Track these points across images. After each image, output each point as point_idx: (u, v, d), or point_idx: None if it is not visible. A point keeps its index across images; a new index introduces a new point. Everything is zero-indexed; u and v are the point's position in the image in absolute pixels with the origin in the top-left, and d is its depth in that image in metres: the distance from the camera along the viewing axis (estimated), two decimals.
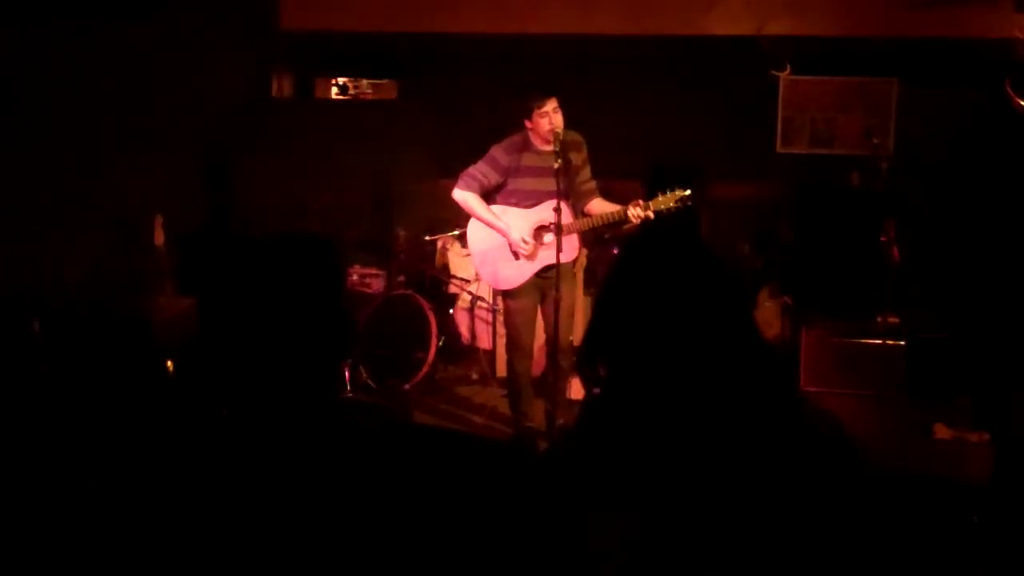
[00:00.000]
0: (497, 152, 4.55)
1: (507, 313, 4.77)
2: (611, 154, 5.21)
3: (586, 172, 4.63)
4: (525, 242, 4.54)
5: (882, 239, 4.71)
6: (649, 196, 4.42)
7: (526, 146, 4.53)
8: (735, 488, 1.30)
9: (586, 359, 1.47)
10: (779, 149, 7.17)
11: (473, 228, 4.67)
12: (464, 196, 4.58)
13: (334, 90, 8.53)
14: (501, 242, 4.59)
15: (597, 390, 1.46)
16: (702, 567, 1.27)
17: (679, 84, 7.01)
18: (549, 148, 4.45)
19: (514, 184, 4.56)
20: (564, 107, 4.45)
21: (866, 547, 1.32)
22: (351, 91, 8.60)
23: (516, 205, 4.58)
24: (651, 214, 4.38)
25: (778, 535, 1.28)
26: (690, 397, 1.35)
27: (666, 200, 4.40)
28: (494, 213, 4.58)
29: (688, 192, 4.40)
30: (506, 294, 4.72)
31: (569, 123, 4.49)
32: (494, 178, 4.56)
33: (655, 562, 1.29)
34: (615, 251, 6.44)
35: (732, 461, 1.31)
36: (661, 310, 1.39)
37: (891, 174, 4.99)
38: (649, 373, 1.38)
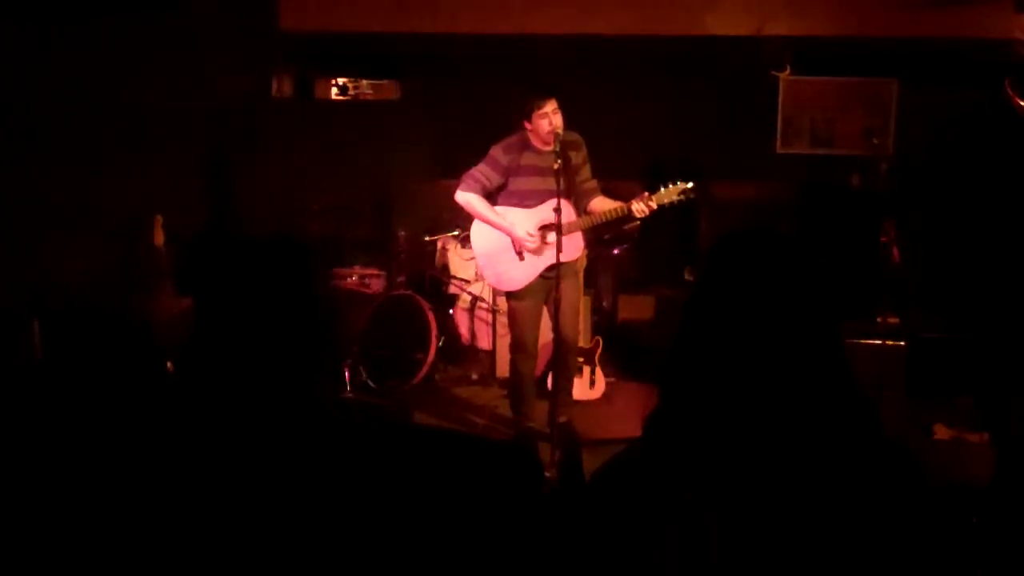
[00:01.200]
0: (497, 152, 4.55)
1: (511, 314, 4.77)
2: (611, 154, 5.21)
3: (586, 171, 4.64)
4: (531, 235, 4.53)
5: (882, 239, 4.71)
6: (651, 190, 4.42)
7: (525, 146, 4.53)
8: (801, 518, 1.24)
9: (673, 370, 1.35)
10: (779, 149, 7.17)
11: (477, 230, 4.67)
12: (467, 198, 4.58)
13: (334, 90, 8.53)
14: (505, 243, 4.59)
15: (665, 403, 1.37)
16: None
17: (679, 84, 7.01)
18: (548, 148, 4.45)
19: (515, 184, 4.57)
20: (564, 107, 4.45)
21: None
22: (351, 91, 8.60)
23: (518, 205, 4.58)
24: (654, 207, 4.37)
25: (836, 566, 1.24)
26: (770, 419, 1.27)
27: (669, 193, 4.40)
28: (498, 213, 4.59)
29: (691, 185, 4.39)
30: (511, 295, 4.72)
31: (569, 123, 4.49)
32: (495, 178, 4.56)
33: None
34: (615, 251, 6.44)
35: (802, 490, 1.25)
36: (752, 320, 1.30)
37: (891, 174, 4.99)
38: (733, 390, 1.29)
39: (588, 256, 5.49)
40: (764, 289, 1.31)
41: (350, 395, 5.40)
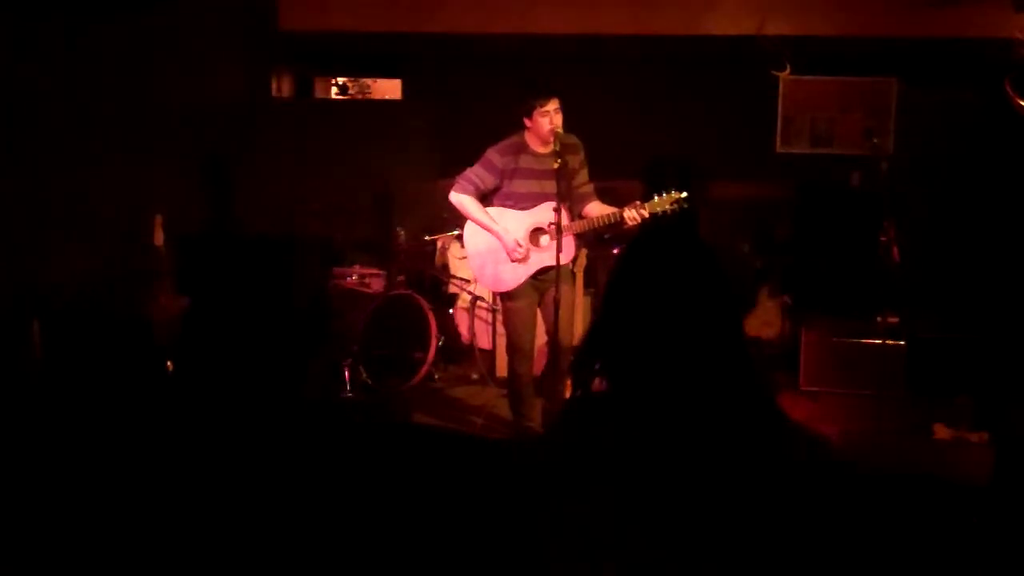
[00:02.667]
0: (492, 155, 4.55)
1: (506, 315, 4.78)
2: (611, 154, 5.21)
3: (583, 175, 4.63)
4: (519, 245, 4.54)
5: (882, 239, 4.70)
6: (645, 198, 4.43)
7: (522, 148, 4.53)
8: (707, 503, 1.30)
9: (583, 361, 1.46)
10: (779, 149, 7.18)
11: (470, 231, 4.67)
12: (460, 199, 4.58)
13: (334, 90, 8.54)
14: (497, 244, 4.59)
15: (580, 393, 1.46)
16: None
17: (679, 84, 7.01)
18: (546, 150, 4.46)
19: (510, 187, 4.56)
20: (565, 107, 4.45)
21: (850, 563, 1.31)
22: (351, 91, 8.62)
23: (513, 207, 4.58)
24: (646, 215, 4.38)
25: (747, 552, 1.27)
26: (673, 405, 1.35)
27: (662, 202, 4.41)
28: (490, 216, 4.58)
29: (684, 195, 4.41)
30: (504, 296, 4.72)
31: (569, 123, 4.49)
32: (490, 180, 4.56)
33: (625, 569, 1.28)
34: (615, 251, 6.44)
35: (704, 473, 1.31)
36: (658, 314, 1.39)
37: (891, 174, 4.99)
38: (641, 378, 1.37)
39: (588, 256, 5.49)
40: (669, 286, 1.40)
41: (350, 395, 5.40)
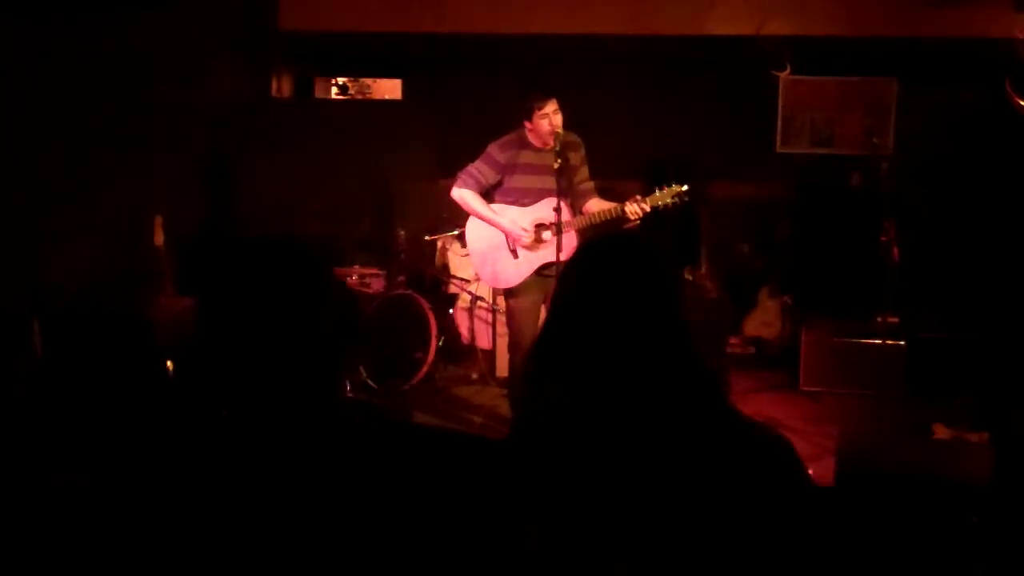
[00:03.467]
0: (494, 150, 4.56)
1: (510, 313, 4.78)
2: (612, 154, 5.21)
3: (584, 172, 4.64)
4: (524, 230, 4.54)
5: (882, 239, 4.70)
6: (647, 193, 4.44)
7: (524, 144, 4.53)
8: (662, 500, 1.31)
9: (535, 366, 1.48)
10: (779, 149, 7.18)
11: (472, 227, 4.68)
12: (462, 194, 4.59)
13: (334, 90, 8.54)
14: (500, 240, 4.60)
15: (531, 394, 1.49)
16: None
17: (679, 84, 7.01)
18: (546, 147, 4.46)
19: (511, 182, 4.57)
20: (564, 107, 4.45)
21: (816, 561, 1.32)
22: (351, 91, 8.61)
23: (514, 203, 4.59)
24: (648, 209, 4.38)
25: (705, 548, 1.28)
26: (624, 406, 1.37)
27: (663, 196, 4.41)
28: (493, 210, 4.59)
29: (685, 188, 4.41)
30: (508, 293, 4.72)
31: (569, 123, 4.49)
32: (492, 176, 4.56)
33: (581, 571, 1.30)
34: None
35: (659, 473, 1.32)
36: (605, 316, 1.42)
37: (891, 174, 4.98)
38: (589, 380, 1.39)
39: None
40: (618, 287, 1.44)
41: (350, 395, 5.40)
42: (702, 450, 1.33)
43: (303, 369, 1.47)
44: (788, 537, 1.29)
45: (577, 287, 1.48)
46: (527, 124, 4.48)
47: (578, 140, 4.58)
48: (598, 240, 1.56)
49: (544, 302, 4.70)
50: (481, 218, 4.60)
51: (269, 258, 1.50)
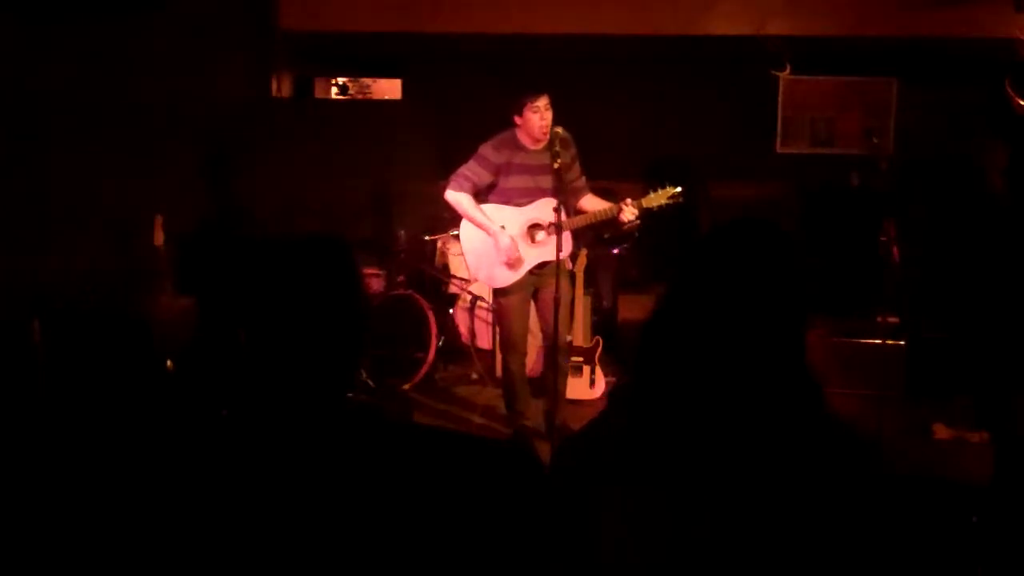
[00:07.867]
0: (486, 151, 4.54)
1: (499, 310, 4.78)
2: (611, 154, 5.22)
3: (576, 169, 4.63)
4: (513, 250, 4.53)
5: (882, 239, 4.70)
6: (641, 193, 4.45)
7: (515, 144, 4.53)
8: (749, 500, 1.28)
9: (647, 345, 1.38)
10: (779, 149, 7.18)
11: (465, 228, 4.68)
12: (456, 197, 4.57)
13: (334, 90, 8.54)
14: (493, 241, 4.60)
15: (624, 381, 1.42)
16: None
17: (679, 84, 7.02)
18: (538, 146, 4.46)
19: (505, 183, 4.56)
20: (565, 107, 4.46)
21: (873, 555, 1.31)
22: (351, 91, 8.61)
23: (509, 203, 4.58)
24: (641, 211, 4.40)
25: (786, 548, 1.26)
26: (722, 403, 1.32)
27: (657, 197, 4.43)
28: (486, 214, 4.58)
29: (679, 189, 4.43)
30: (498, 291, 4.72)
31: (569, 123, 4.49)
32: (485, 177, 4.55)
33: (665, 569, 1.28)
34: (615, 252, 6.44)
35: (751, 472, 1.29)
36: (726, 306, 1.34)
37: (891, 174, 4.99)
38: (697, 369, 1.33)
39: (588, 256, 5.49)
40: (747, 278, 1.36)
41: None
42: (798, 461, 1.30)
43: (330, 363, 1.46)
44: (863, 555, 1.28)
45: (709, 270, 1.39)
46: (517, 120, 4.47)
47: (568, 137, 4.56)
48: (739, 222, 1.46)
49: (535, 299, 4.70)
50: (474, 223, 4.59)
51: (304, 254, 1.48)
